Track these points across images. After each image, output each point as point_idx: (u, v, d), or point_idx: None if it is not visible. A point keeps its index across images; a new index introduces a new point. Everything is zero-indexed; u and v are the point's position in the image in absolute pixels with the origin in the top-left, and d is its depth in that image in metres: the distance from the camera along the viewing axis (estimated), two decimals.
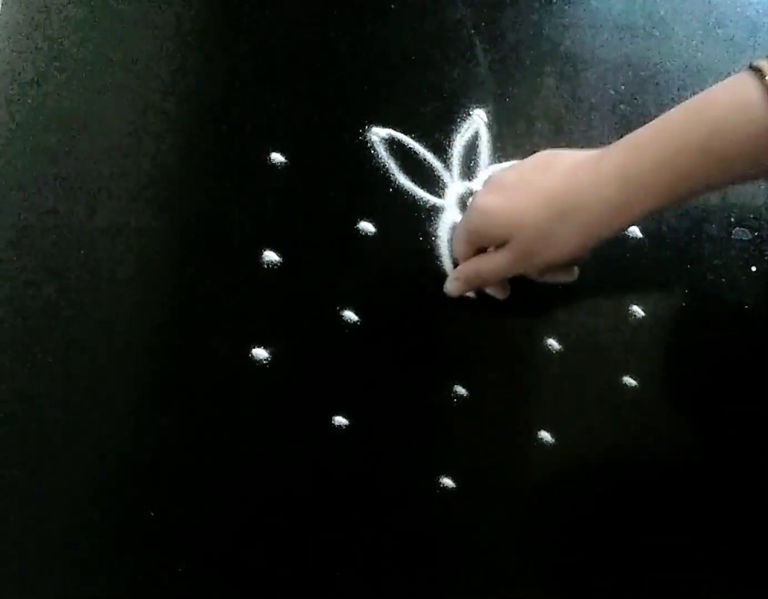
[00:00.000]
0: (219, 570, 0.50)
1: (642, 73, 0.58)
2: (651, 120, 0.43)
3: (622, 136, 0.44)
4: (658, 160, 0.41)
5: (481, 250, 0.51)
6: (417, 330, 0.54)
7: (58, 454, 0.51)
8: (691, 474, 0.52)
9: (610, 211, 0.43)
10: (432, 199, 0.56)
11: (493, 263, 0.49)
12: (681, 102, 0.42)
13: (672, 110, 0.42)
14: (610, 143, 0.44)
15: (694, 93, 0.42)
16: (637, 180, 0.42)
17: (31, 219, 0.55)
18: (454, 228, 0.55)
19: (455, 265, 0.54)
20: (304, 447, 0.51)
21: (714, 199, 0.56)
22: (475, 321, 0.54)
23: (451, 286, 0.53)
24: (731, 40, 0.60)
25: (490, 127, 0.57)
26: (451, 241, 0.55)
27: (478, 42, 0.59)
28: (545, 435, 0.52)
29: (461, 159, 0.57)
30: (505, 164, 0.56)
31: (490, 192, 0.48)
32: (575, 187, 0.44)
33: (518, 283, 0.54)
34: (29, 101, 0.56)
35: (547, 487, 0.52)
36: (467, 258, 0.51)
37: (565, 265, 0.49)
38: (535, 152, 0.48)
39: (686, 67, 0.59)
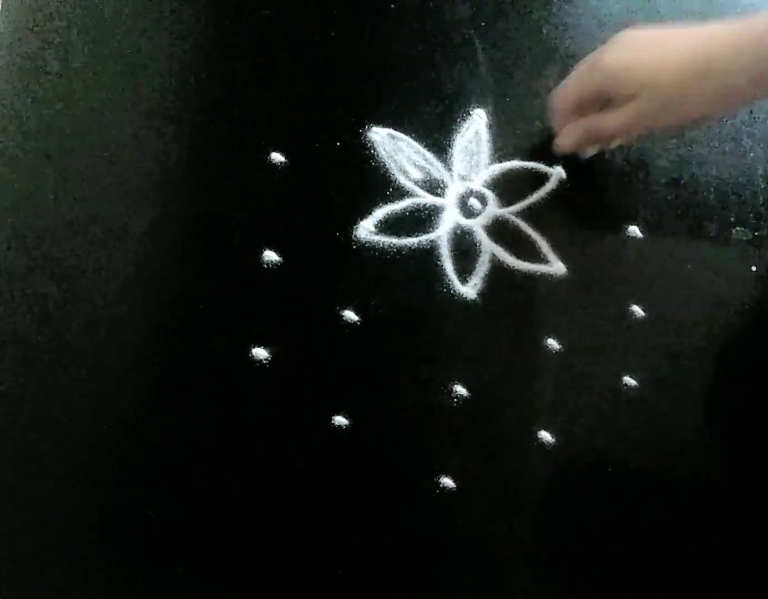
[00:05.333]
0: (219, 570, 0.50)
1: None
2: None
3: None
4: None
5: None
6: (417, 330, 0.54)
7: (58, 454, 0.51)
8: (690, 473, 0.52)
9: (746, 79, 0.43)
10: (432, 199, 0.56)
11: (617, 121, 0.47)
12: None
13: None
14: None
15: None
16: None
17: (32, 219, 0.55)
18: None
19: (557, 124, 0.51)
20: (304, 447, 0.51)
21: (714, 198, 0.56)
22: (475, 321, 0.54)
23: (565, 142, 0.51)
24: None
25: (490, 127, 0.57)
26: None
27: (478, 42, 0.59)
28: (545, 435, 0.52)
29: (461, 159, 0.57)
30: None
31: (616, 51, 0.46)
32: (715, 51, 0.43)
33: (518, 283, 0.54)
34: (29, 102, 0.56)
35: (547, 487, 0.52)
36: (568, 116, 0.49)
37: (689, 125, 0.50)
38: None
39: None
